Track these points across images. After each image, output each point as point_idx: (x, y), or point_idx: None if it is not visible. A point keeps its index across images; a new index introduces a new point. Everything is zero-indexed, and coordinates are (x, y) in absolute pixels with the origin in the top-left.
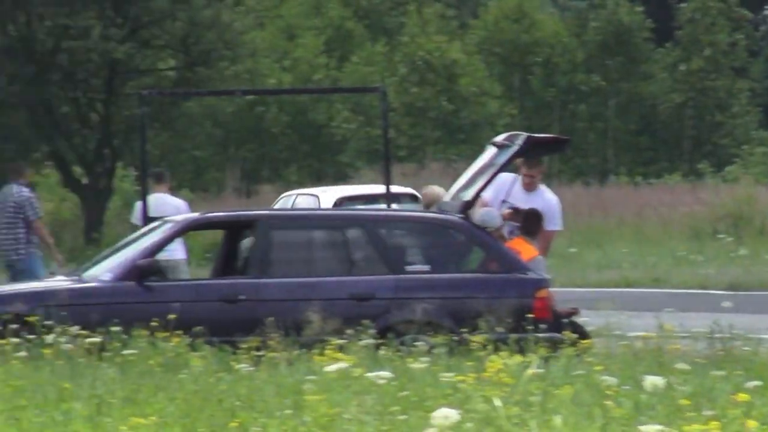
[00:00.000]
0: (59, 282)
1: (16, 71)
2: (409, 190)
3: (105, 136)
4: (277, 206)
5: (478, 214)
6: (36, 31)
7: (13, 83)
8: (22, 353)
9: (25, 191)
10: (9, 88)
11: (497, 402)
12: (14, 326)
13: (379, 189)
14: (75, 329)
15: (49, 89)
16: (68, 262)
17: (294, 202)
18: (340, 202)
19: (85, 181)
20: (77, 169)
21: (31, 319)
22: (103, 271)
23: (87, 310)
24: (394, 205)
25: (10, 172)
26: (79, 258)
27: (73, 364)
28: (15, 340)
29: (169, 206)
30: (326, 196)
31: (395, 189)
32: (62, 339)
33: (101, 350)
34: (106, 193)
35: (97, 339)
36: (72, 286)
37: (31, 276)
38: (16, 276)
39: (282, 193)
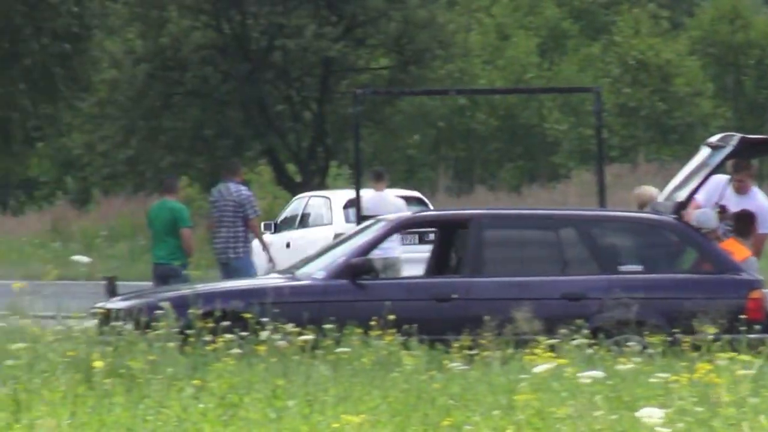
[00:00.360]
0: (273, 279)
1: (230, 69)
2: (415, 194)
3: (318, 134)
4: (290, 208)
5: (694, 214)
6: (250, 29)
7: (227, 81)
8: (236, 350)
9: (244, 190)
10: (223, 86)
11: (723, 398)
12: (228, 323)
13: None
14: (288, 326)
15: (263, 87)
16: None
17: (307, 203)
18: (350, 204)
19: (298, 179)
20: (291, 167)
21: (246, 316)
22: (316, 269)
23: (300, 308)
24: None
25: (225, 171)
26: None
27: (287, 362)
28: (229, 336)
29: (389, 204)
30: (337, 198)
31: (403, 192)
32: (276, 336)
33: (314, 348)
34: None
35: (310, 336)
36: (286, 284)
37: (244, 275)
38: (229, 274)
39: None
